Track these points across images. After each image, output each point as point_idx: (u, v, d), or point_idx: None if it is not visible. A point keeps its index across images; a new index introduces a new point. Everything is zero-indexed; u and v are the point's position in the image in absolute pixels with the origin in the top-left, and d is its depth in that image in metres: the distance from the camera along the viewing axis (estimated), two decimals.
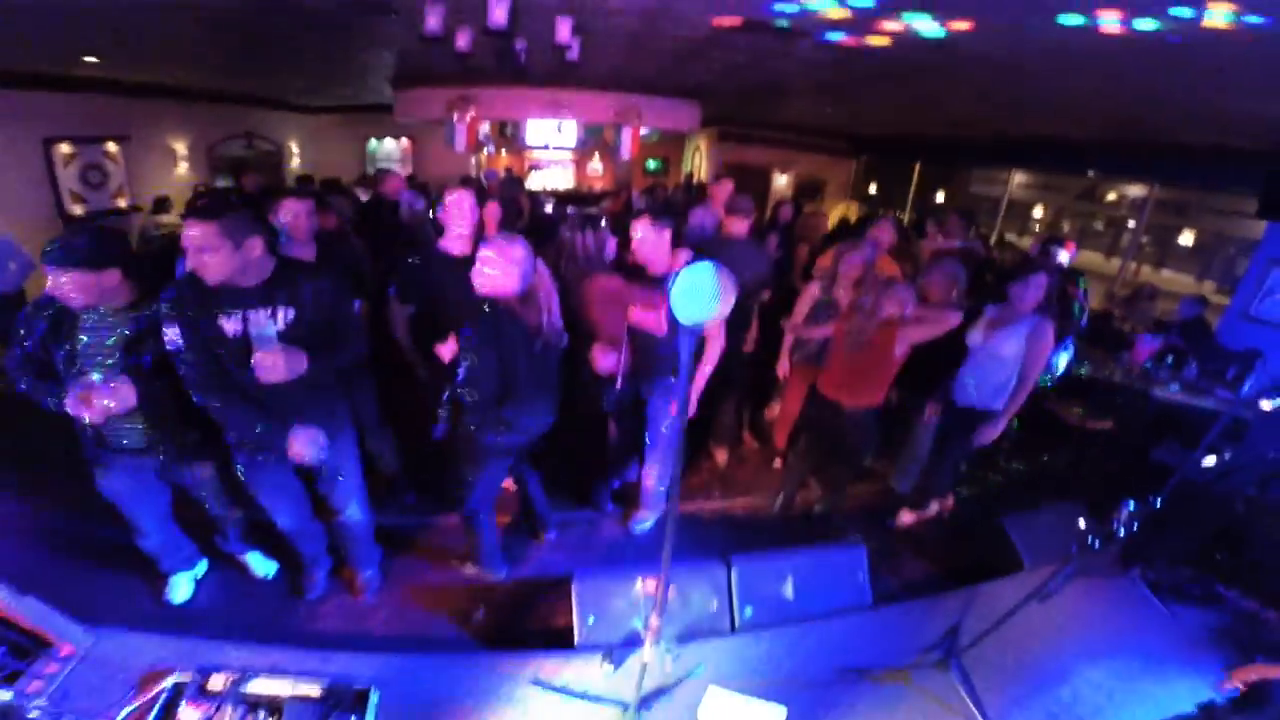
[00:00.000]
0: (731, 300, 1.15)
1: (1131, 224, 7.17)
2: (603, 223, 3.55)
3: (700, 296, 1.14)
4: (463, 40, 3.67)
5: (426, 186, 7.22)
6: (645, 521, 3.36)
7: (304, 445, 2.15)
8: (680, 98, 7.30)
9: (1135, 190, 7.16)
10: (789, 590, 2.62)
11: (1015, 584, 2.79)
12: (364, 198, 6.08)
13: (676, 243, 3.03)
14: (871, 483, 4.00)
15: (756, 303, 3.79)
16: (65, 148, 6.35)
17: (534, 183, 12.51)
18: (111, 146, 6.96)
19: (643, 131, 8.14)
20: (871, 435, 3.25)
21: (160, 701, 1.93)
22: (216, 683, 1.98)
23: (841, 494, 3.57)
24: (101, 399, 1.98)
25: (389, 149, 12.25)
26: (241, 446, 2.23)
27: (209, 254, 1.86)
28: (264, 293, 2.02)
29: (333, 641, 2.56)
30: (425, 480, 3.44)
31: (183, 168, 8.21)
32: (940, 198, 9.42)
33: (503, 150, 12.67)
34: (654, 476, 3.21)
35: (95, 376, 2.03)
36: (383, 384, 3.21)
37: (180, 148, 8.15)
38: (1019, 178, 8.12)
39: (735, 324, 3.51)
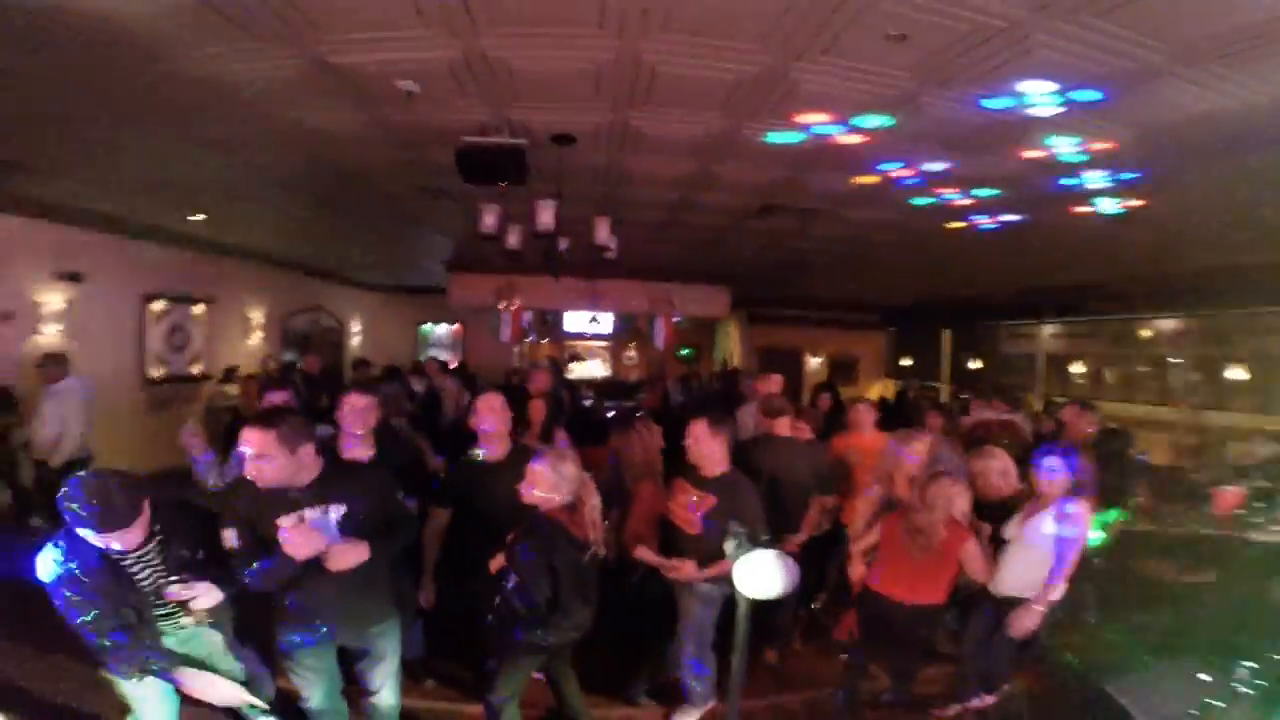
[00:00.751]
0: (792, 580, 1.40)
1: (1172, 360, 6.93)
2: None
3: (764, 577, 1.35)
4: (514, 239, 4.25)
5: (475, 378, 7.46)
6: (687, 717, 3.11)
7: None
8: (709, 283, 7.96)
9: (1169, 324, 7.02)
10: None
11: None
12: (418, 387, 6.36)
13: None
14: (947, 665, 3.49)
15: (809, 503, 3.56)
16: (158, 305, 6.90)
17: (573, 374, 13.19)
18: (198, 309, 7.57)
19: (676, 319, 8.75)
20: (935, 627, 3.02)
21: None
22: None
23: (909, 682, 3.17)
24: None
25: (440, 334, 13.27)
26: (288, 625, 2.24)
27: (265, 461, 1.95)
28: (318, 492, 2.11)
29: None
30: (448, 669, 3.30)
31: (256, 337, 8.86)
32: (974, 363, 9.53)
33: (544, 340, 13.62)
34: (690, 671, 3.03)
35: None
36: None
37: (256, 316, 8.87)
38: (1050, 329, 8.15)
39: (783, 525, 3.33)
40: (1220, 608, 3.46)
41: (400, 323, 12.80)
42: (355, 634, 2.29)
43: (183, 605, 2.06)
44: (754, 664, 3.54)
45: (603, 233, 4.24)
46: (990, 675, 3.14)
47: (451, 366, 9.66)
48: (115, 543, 1.89)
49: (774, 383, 4.39)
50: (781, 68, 2.67)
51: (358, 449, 2.81)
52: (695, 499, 2.86)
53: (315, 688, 2.33)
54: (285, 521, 2.01)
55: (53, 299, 5.57)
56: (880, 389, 9.34)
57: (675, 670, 3.13)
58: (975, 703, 3.18)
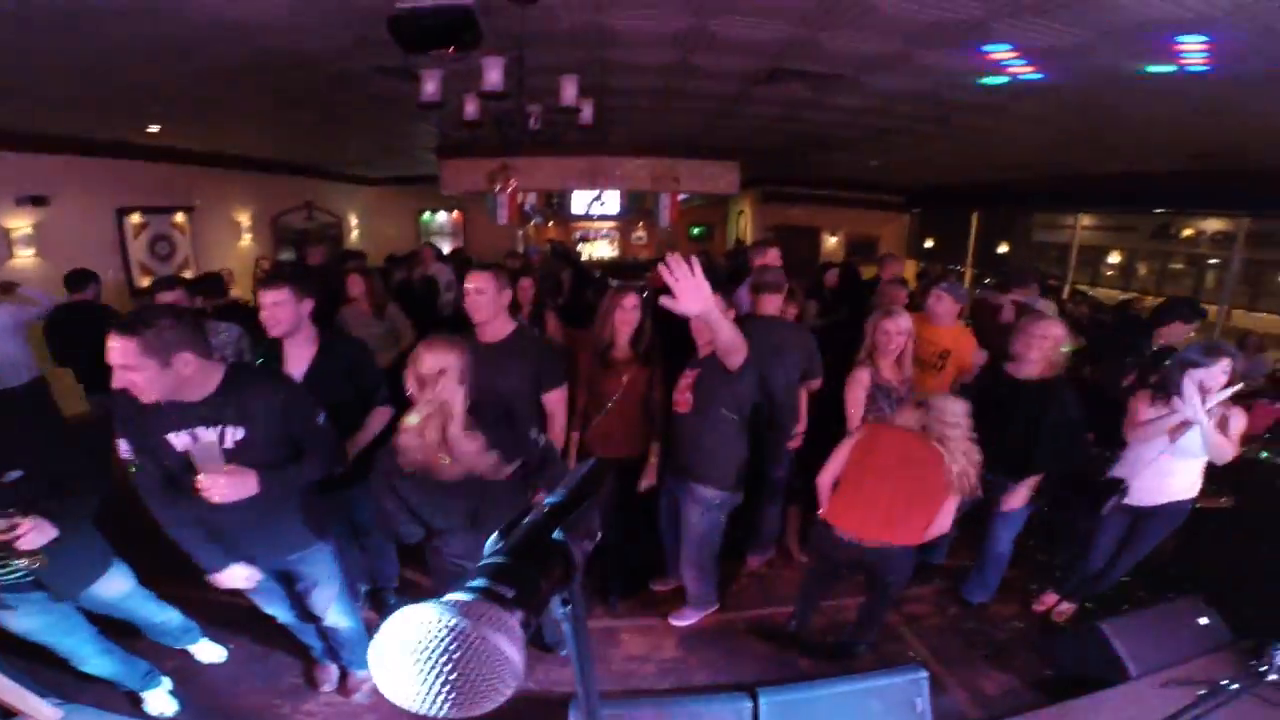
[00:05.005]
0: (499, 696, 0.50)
1: (1212, 262, 6.40)
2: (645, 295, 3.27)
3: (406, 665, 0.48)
4: (470, 107, 3.63)
5: (469, 261, 7.29)
6: (687, 619, 3.13)
7: (228, 579, 2.08)
8: (718, 159, 7.23)
9: (1215, 225, 6.43)
10: None
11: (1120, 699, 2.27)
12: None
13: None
14: (935, 582, 3.43)
15: (802, 392, 3.27)
16: (136, 218, 6.72)
17: (581, 255, 12.71)
18: (179, 217, 7.34)
19: (682, 197, 8.12)
20: (906, 574, 2.73)
21: None
22: None
23: (874, 628, 2.92)
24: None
25: (440, 221, 12.76)
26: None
27: (132, 373, 1.68)
28: (211, 410, 1.86)
29: None
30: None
31: (246, 239, 8.60)
32: (1003, 248, 8.86)
33: (550, 222, 13.00)
34: (692, 577, 3.01)
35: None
36: None
37: (244, 219, 8.55)
38: (1086, 220, 7.52)
39: (778, 418, 3.13)
40: (1234, 539, 3.23)
41: (400, 213, 12.32)
42: (270, 560, 2.17)
43: (5, 546, 1.80)
44: (736, 573, 3.53)
45: (570, 92, 3.60)
46: (1102, 578, 3.09)
47: (453, 251, 9.35)
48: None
49: (770, 256, 3.90)
50: None
51: (293, 350, 2.54)
52: (689, 378, 2.68)
53: (266, 606, 2.37)
54: (176, 440, 1.83)
55: (19, 224, 5.49)
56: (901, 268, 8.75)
57: (678, 576, 3.12)
58: (1065, 606, 3.21)
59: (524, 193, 8.35)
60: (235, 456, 1.89)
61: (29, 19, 2.89)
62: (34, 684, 2.10)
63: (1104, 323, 5.68)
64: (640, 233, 13.57)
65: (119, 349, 1.65)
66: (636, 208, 11.97)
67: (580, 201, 10.05)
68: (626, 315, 2.82)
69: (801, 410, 3.26)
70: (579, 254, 11.57)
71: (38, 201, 5.56)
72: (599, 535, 0.71)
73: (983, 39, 3.05)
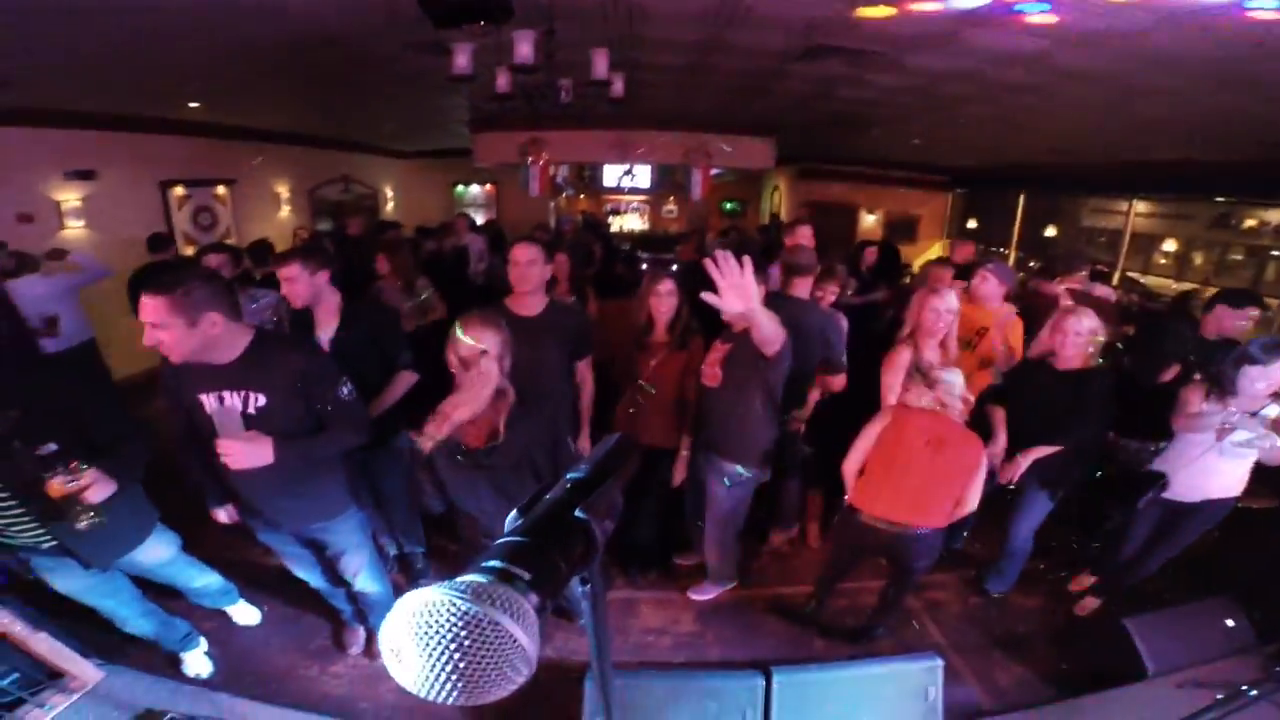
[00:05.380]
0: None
1: (1275, 253, 6.04)
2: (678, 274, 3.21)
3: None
4: (502, 80, 3.63)
5: (502, 234, 7.34)
6: (706, 594, 3.18)
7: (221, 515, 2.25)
8: (751, 134, 7.08)
9: (1279, 216, 6.06)
10: (842, 711, 2.13)
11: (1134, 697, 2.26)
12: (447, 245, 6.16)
13: None
14: (958, 570, 3.41)
15: (814, 379, 3.15)
16: (179, 190, 6.96)
17: (611, 227, 12.64)
18: (220, 190, 7.59)
19: (715, 171, 7.98)
20: (935, 556, 2.66)
21: None
22: None
23: (893, 613, 2.92)
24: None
25: (474, 194, 12.82)
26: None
27: (161, 331, 1.71)
28: (237, 374, 1.89)
29: (339, 704, 2.54)
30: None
31: (285, 211, 8.86)
32: (1050, 232, 8.50)
33: (581, 194, 12.94)
34: (714, 553, 3.03)
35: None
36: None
37: (283, 191, 8.81)
38: (1140, 206, 7.15)
39: (789, 400, 3.03)
40: (1273, 541, 3.11)
41: (434, 186, 12.44)
42: (296, 527, 2.25)
43: (67, 499, 1.77)
44: (757, 551, 3.56)
45: (601, 66, 3.57)
46: (1134, 570, 3.05)
47: (486, 223, 9.42)
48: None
49: (802, 234, 3.78)
50: None
51: (322, 319, 2.62)
52: (719, 352, 2.63)
53: (297, 570, 2.49)
54: (208, 401, 1.90)
55: (69, 197, 5.74)
56: (941, 249, 8.44)
57: (701, 551, 3.13)
58: (1090, 600, 3.19)
59: (555, 165, 8.34)
60: (255, 423, 1.90)
61: (76, 7, 2.99)
62: (78, 644, 2.18)
63: (1155, 312, 5.43)
64: (671, 206, 13.43)
65: (149, 306, 1.70)
66: (668, 181, 11.82)
67: (612, 174, 9.95)
68: (662, 301, 2.77)
69: (811, 398, 3.17)
70: (608, 226, 11.52)
71: (85, 176, 5.79)
72: (620, 512, 0.68)
73: None
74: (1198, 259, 7.18)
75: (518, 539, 0.57)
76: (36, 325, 4.05)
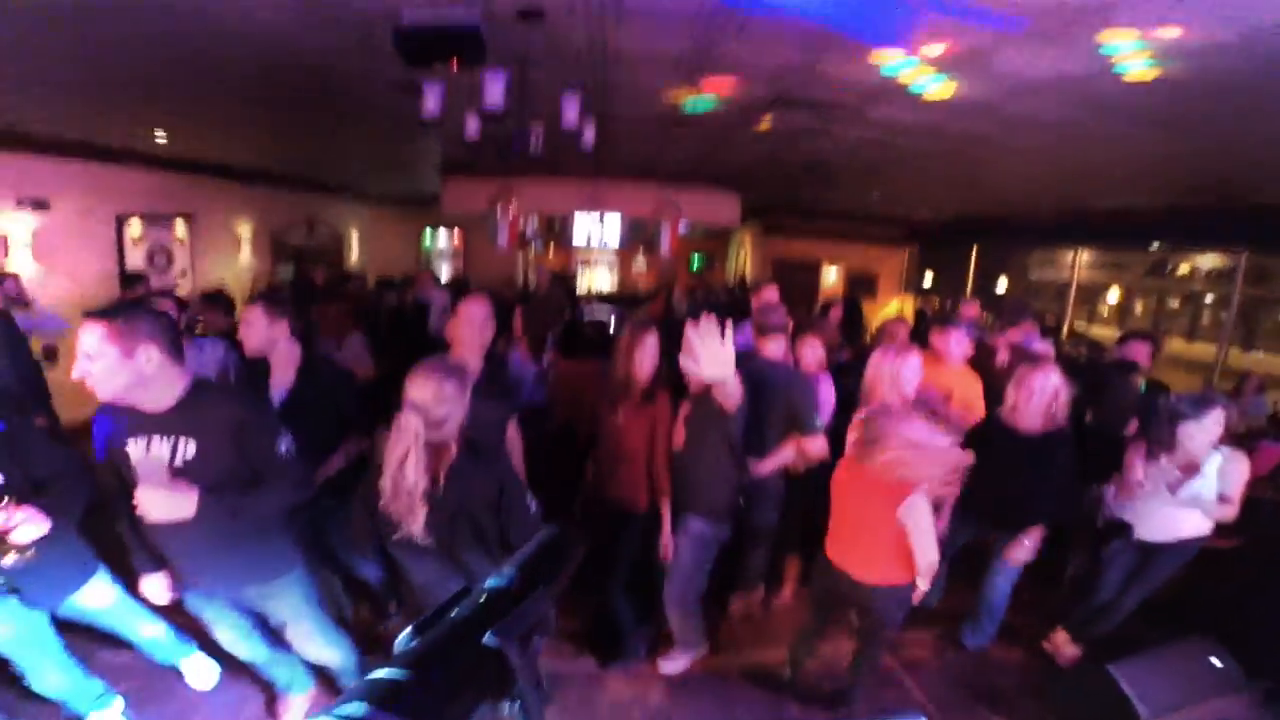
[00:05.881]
0: None
1: (1209, 299, 6.43)
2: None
3: None
4: (471, 126, 3.64)
5: (467, 285, 7.29)
6: (675, 662, 2.97)
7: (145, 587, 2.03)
8: (719, 187, 7.31)
9: (1209, 261, 6.50)
10: None
11: None
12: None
13: None
14: (934, 626, 3.29)
15: (780, 437, 2.97)
16: (136, 227, 6.70)
17: (580, 283, 12.74)
18: (179, 229, 7.32)
19: (683, 228, 8.17)
20: (901, 615, 2.48)
21: None
22: None
23: (866, 672, 2.71)
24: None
25: (441, 245, 12.81)
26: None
27: (92, 361, 1.61)
28: (171, 420, 1.77)
29: None
30: None
31: (245, 253, 8.57)
32: (1001, 285, 8.89)
33: (550, 247, 13.05)
34: (675, 616, 2.87)
35: None
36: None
37: (244, 231, 8.53)
38: (1084, 257, 7.57)
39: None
40: (1242, 579, 3.14)
41: (401, 233, 12.42)
42: (223, 591, 2.04)
43: None
44: (722, 617, 3.33)
45: (571, 114, 3.61)
46: (1110, 614, 3.01)
47: (452, 279, 9.36)
48: None
49: (767, 293, 3.81)
50: None
51: (277, 372, 2.54)
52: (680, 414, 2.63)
53: (222, 639, 2.22)
54: (132, 449, 1.75)
55: (18, 228, 5.51)
56: (898, 306, 8.74)
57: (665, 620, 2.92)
58: (1069, 650, 3.09)
59: (525, 216, 8.42)
60: (183, 475, 1.75)
61: (43, 12, 2.91)
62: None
63: (1100, 366, 5.62)
64: (641, 262, 13.66)
65: (86, 332, 1.62)
66: (638, 237, 12.07)
67: (581, 230, 10.11)
68: (646, 357, 2.65)
69: (783, 452, 2.95)
70: (574, 284, 11.58)
71: (38, 205, 5.56)
72: (553, 628, 0.57)
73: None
74: (1138, 308, 7.61)
75: (395, 674, 0.46)
76: None
